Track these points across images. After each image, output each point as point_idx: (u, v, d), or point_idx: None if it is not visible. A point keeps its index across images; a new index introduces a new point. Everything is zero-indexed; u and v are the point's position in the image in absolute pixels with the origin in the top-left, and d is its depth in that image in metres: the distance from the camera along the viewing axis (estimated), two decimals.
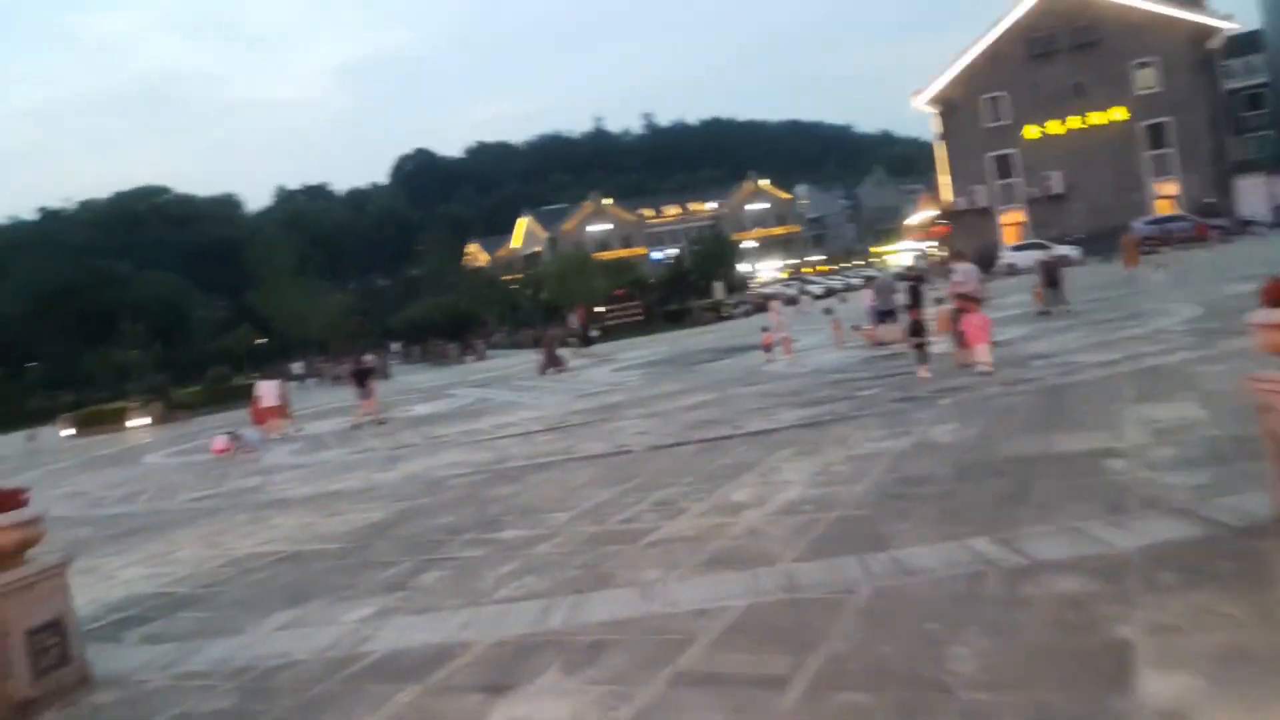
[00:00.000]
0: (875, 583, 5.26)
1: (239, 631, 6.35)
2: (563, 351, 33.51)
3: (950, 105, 56.98)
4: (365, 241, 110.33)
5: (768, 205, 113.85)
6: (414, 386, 34.94)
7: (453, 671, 4.91)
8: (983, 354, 13.18)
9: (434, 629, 5.71)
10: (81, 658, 5.71)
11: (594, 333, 39.45)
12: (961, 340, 13.99)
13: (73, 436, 37.25)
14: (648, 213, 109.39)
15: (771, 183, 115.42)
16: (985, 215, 56.46)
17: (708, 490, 8.45)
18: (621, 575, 6.22)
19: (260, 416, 23.03)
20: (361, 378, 23.06)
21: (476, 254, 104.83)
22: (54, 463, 26.37)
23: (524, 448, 13.52)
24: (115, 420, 37.97)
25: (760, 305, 47.25)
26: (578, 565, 6.63)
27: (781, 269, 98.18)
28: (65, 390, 63.71)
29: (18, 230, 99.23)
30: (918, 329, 14.16)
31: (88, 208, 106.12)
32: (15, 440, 41.14)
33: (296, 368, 55.48)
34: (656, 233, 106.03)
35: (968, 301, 14.08)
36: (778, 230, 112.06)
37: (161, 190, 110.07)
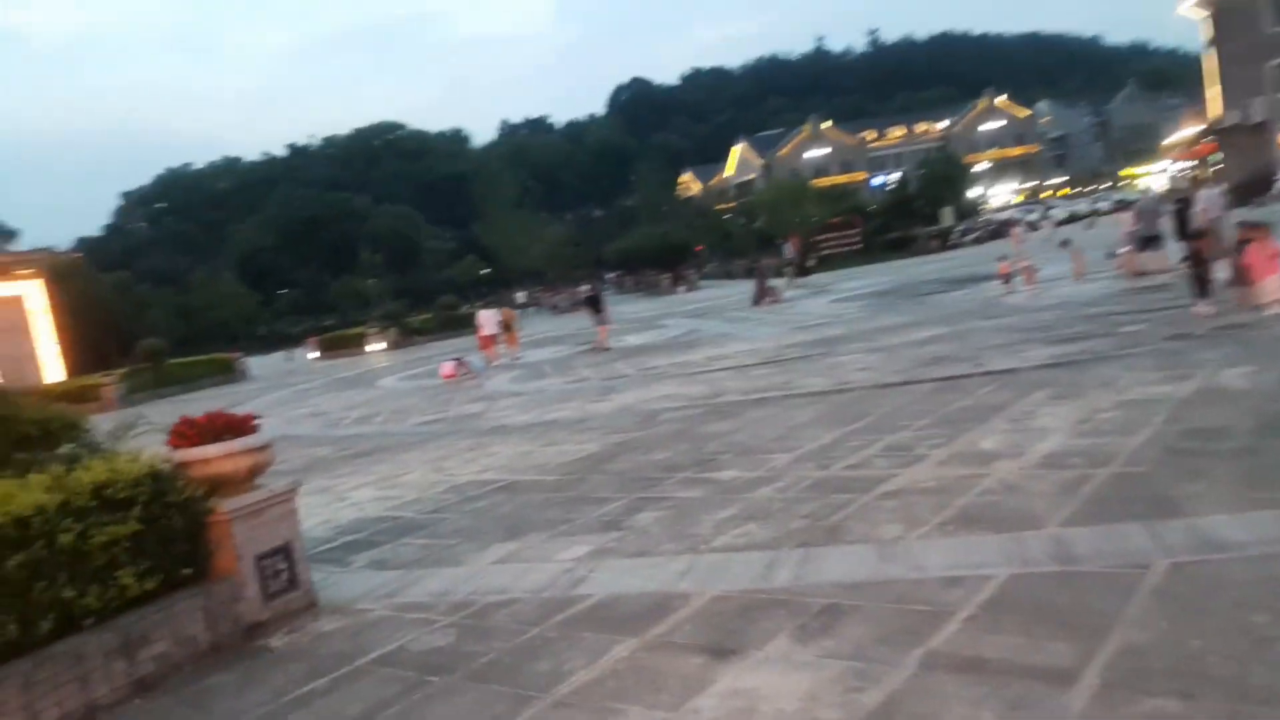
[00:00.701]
0: (1172, 557, 4.36)
1: (458, 563, 6.27)
2: (777, 282, 32.61)
3: (1224, 6, 50.09)
4: (582, 173, 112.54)
5: (1003, 123, 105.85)
6: (626, 317, 35.19)
7: (672, 627, 4.50)
8: (1275, 288, 11.27)
9: (651, 575, 5.33)
10: (308, 582, 5.77)
11: (810, 262, 38.15)
12: (1245, 275, 12.04)
13: (318, 359, 40.40)
14: (869, 135, 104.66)
15: (1009, 99, 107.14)
16: (1261, 132, 49.61)
17: (948, 435, 7.60)
18: (854, 529, 5.60)
19: (485, 343, 23.96)
20: (595, 304, 23.55)
21: (690, 183, 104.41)
22: (301, 383, 28.59)
23: (739, 382, 13.02)
24: (355, 344, 40.80)
25: (994, 232, 44.09)
26: (803, 514, 6.06)
27: (1018, 192, 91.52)
28: (312, 315, 69.39)
29: (270, 166, 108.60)
30: (1198, 257, 12.31)
31: (330, 143, 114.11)
32: (274, 360, 45.28)
33: (519, 297, 57.61)
34: (879, 157, 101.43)
35: (1255, 230, 12.07)
36: (1015, 151, 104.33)
37: (396, 126, 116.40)
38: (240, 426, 5.63)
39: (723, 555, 5.51)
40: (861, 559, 5.07)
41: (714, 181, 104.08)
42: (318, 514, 8.44)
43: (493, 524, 7.19)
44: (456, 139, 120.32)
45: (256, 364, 41.23)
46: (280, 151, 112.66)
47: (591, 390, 14.83)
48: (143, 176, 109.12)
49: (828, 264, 44.77)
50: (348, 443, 13.34)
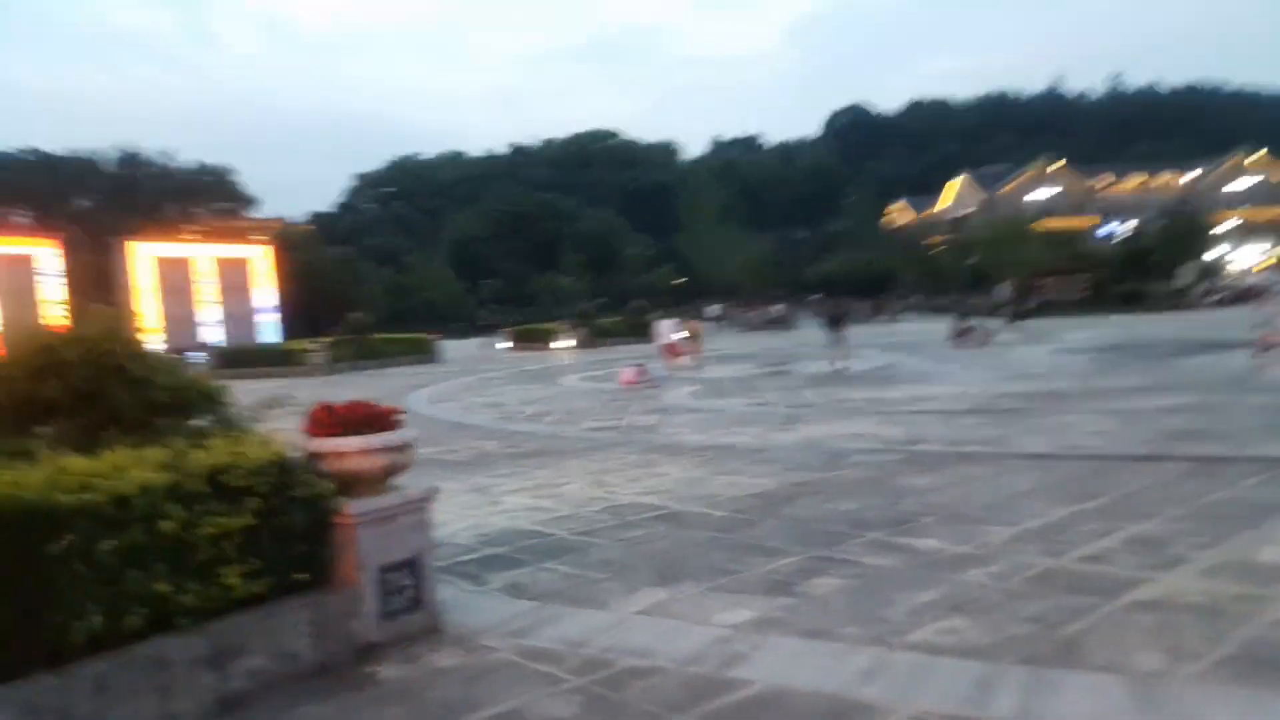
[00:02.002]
0: None
1: (601, 604, 5.45)
2: (990, 323, 30.30)
3: None
4: (789, 194, 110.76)
5: (1256, 181, 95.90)
6: (817, 341, 33.72)
7: None
8: None
9: (828, 668, 4.31)
10: (433, 603, 5.10)
11: (1029, 306, 35.37)
12: None
13: (509, 350, 41.18)
14: (1101, 181, 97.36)
15: (1268, 155, 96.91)
16: None
17: (1213, 535, 6.11)
18: (1097, 649, 4.36)
19: (667, 352, 23.49)
20: (836, 322, 22.63)
21: (900, 213, 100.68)
22: (488, 371, 28.96)
23: (942, 429, 11.62)
24: (544, 339, 41.33)
25: (1240, 295, 39.51)
26: (1028, 615, 4.84)
27: (1266, 255, 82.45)
28: (512, 306, 71.47)
29: (491, 162, 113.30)
30: None
31: (549, 146, 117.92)
32: (471, 345, 46.67)
33: (712, 310, 56.79)
34: (1110, 204, 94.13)
35: None
36: (1268, 212, 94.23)
37: (611, 134, 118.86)
38: (382, 420, 5.03)
39: (922, 657, 4.40)
40: (1112, 698, 3.85)
41: (927, 213, 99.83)
42: (467, 516, 7.88)
43: (646, 561, 6.33)
44: (666, 150, 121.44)
45: (453, 347, 42.54)
46: (503, 149, 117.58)
47: (774, 417, 13.78)
48: (376, 161, 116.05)
49: (1048, 310, 41.45)
50: (516, 440, 12.90)
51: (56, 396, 4.64)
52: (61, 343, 4.74)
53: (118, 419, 4.82)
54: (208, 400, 5.22)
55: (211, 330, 37.30)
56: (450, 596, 5.53)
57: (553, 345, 40.24)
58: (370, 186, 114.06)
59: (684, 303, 62.20)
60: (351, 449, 4.85)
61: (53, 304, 30.13)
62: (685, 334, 25.09)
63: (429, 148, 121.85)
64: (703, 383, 20.44)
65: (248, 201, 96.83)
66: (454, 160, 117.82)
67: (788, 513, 7.51)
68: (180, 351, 31.50)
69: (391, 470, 5.01)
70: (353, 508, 4.76)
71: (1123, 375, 16.99)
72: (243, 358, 31.68)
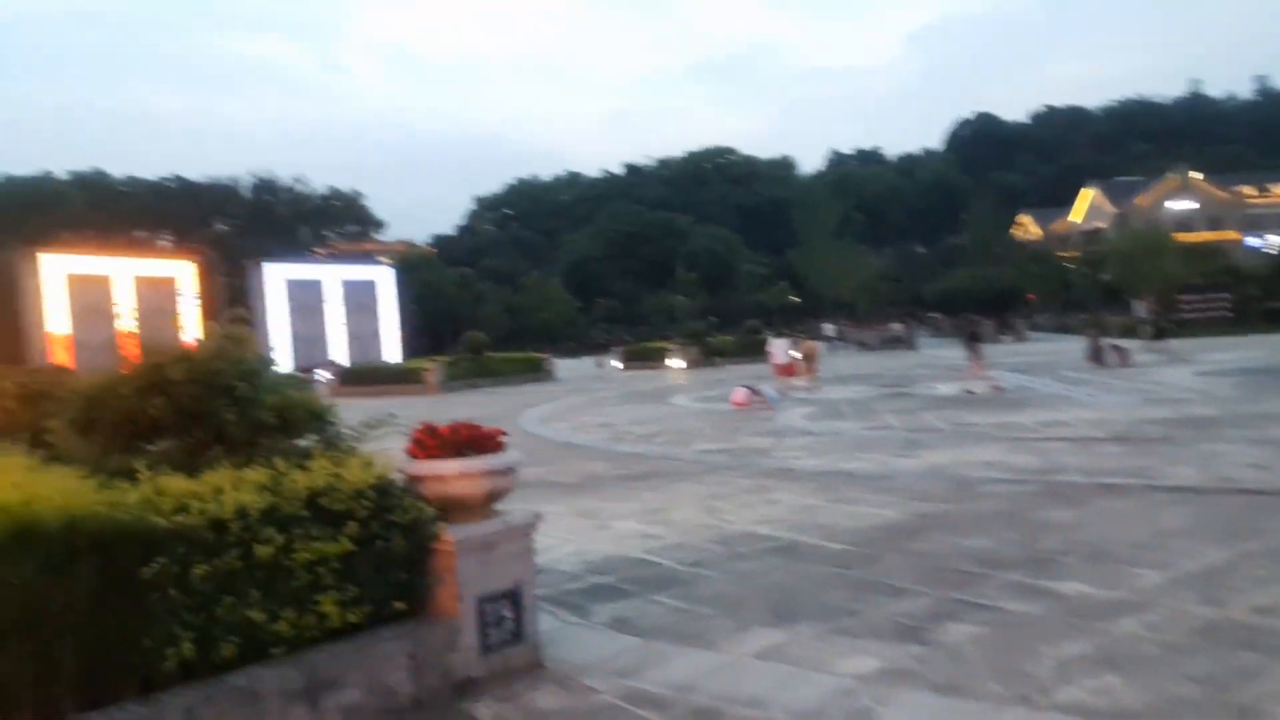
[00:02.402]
0: None
1: (711, 644, 5.10)
2: (1128, 343, 28.58)
3: None
4: (908, 207, 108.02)
5: None
6: (938, 361, 32.51)
7: None
8: None
9: None
10: (535, 635, 4.86)
11: (1167, 324, 33.30)
12: None
13: (620, 369, 41.18)
14: (1248, 191, 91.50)
15: None
16: None
17: None
18: None
19: (781, 372, 23.07)
20: (974, 339, 21.99)
21: (1027, 226, 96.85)
22: (600, 389, 28.95)
23: (1081, 458, 10.82)
24: (656, 358, 41.16)
25: None
26: (1194, 675, 4.28)
27: None
28: (625, 325, 71.83)
29: (607, 183, 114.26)
30: None
31: (664, 165, 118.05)
32: (584, 364, 46.98)
33: (828, 328, 55.50)
34: (1258, 215, 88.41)
35: None
36: None
37: (727, 151, 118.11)
38: (484, 442, 4.84)
39: None
40: None
41: (1056, 226, 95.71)
42: (573, 542, 7.65)
43: (760, 596, 5.95)
44: (783, 165, 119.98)
45: (565, 366, 42.88)
46: (618, 169, 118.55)
47: (895, 442, 13.14)
48: (495, 184, 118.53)
49: (1189, 329, 38.96)
50: (626, 462, 12.67)
51: (163, 415, 4.61)
52: (169, 361, 4.72)
53: (223, 438, 4.77)
54: (314, 420, 5.12)
55: (337, 349, 38.59)
56: (552, 628, 5.29)
57: (665, 364, 40.08)
58: (489, 209, 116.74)
59: (798, 321, 61.22)
60: (452, 472, 4.67)
61: (189, 324, 31.72)
62: (799, 354, 24.53)
63: (546, 170, 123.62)
64: (818, 404, 19.84)
65: (376, 225, 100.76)
66: (570, 182, 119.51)
67: (914, 547, 7.01)
68: (307, 370, 32.79)
69: (494, 495, 4.81)
70: (453, 534, 4.57)
71: (1273, 400, 15.65)
72: (364, 376, 32.62)
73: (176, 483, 4.01)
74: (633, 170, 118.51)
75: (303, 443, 5.01)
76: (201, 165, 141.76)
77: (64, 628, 3.40)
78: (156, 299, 34.00)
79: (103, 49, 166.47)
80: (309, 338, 38.06)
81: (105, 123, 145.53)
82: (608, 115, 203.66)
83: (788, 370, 23.47)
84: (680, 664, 4.81)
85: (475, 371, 33.54)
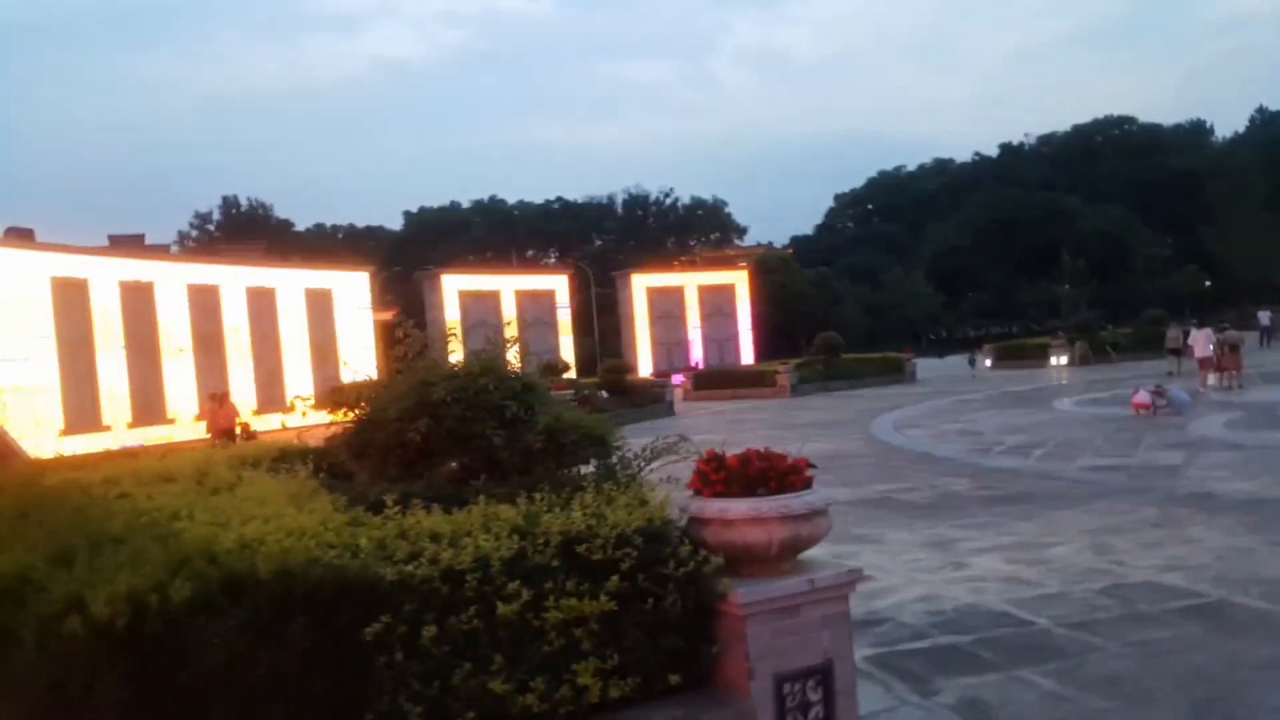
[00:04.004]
0: None
1: None
2: None
3: None
4: None
5: None
6: None
7: None
8: None
9: None
10: None
11: None
12: None
13: (990, 368, 37.68)
14: None
15: None
16: None
17: None
18: None
19: (1205, 367, 20.15)
20: None
21: None
22: (967, 392, 26.45)
23: None
24: (1035, 356, 37.21)
25: None
26: None
27: None
28: (997, 320, 66.60)
29: (977, 167, 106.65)
30: None
31: (1045, 141, 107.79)
32: (950, 364, 43.97)
33: (1263, 316, 46.55)
34: None
35: None
36: None
37: (1125, 120, 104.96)
38: (785, 476, 3.85)
39: None
40: None
41: None
42: (919, 583, 6.40)
43: (1175, 685, 4.38)
44: (1195, 131, 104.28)
45: (928, 366, 40.30)
46: (991, 151, 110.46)
47: None
48: (856, 179, 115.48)
49: None
50: (992, 479, 10.96)
51: (429, 439, 4.19)
52: (436, 379, 4.30)
53: (492, 465, 4.27)
54: (593, 444, 4.50)
55: (694, 353, 39.66)
56: (881, 709, 4.20)
57: (1046, 362, 36.18)
58: (849, 205, 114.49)
59: (1209, 310, 52.70)
60: (741, 515, 3.73)
61: (562, 334, 34.13)
62: (1215, 347, 20.77)
63: (911, 159, 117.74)
64: (1244, 409, 16.36)
65: (738, 231, 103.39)
66: (938, 170, 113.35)
67: None
68: (664, 375, 33.81)
69: (792, 546, 3.81)
70: (741, 593, 3.64)
71: None
72: (716, 379, 33.08)
73: (421, 520, 3.50)
74: (1008, 150, 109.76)
75: (582, 469, 4.40)
76: (582, 186, 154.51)
77: (270, 694, 2.96)
78: (536, 310, 37.33)
79: (499, 89, 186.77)
80: (668, 343, 39.58)
81: (503, 154, 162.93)
82: (979, 95, 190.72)
83: (1214, 366, 20.36)
84: None
85: (828, 374, 32.39)
